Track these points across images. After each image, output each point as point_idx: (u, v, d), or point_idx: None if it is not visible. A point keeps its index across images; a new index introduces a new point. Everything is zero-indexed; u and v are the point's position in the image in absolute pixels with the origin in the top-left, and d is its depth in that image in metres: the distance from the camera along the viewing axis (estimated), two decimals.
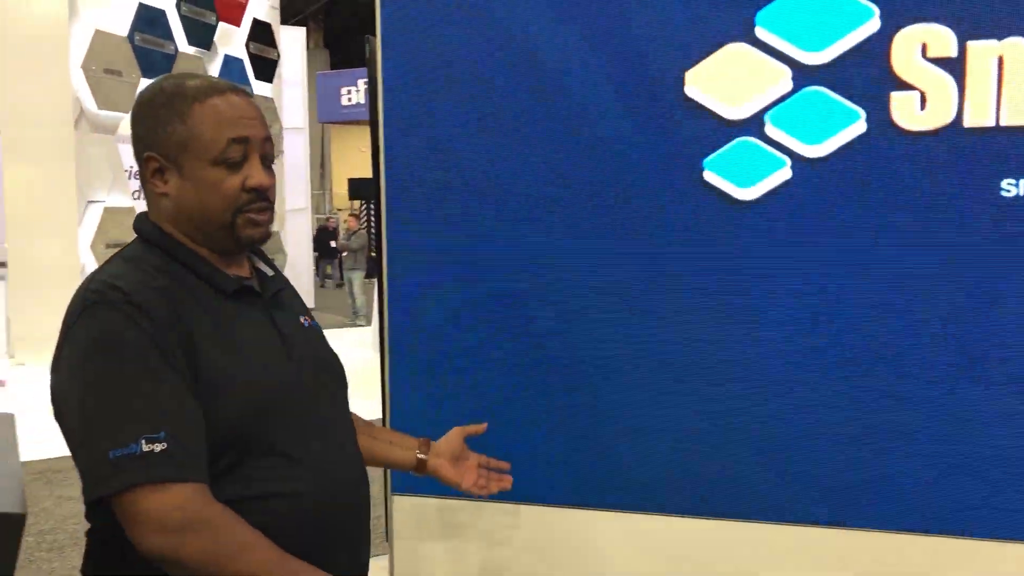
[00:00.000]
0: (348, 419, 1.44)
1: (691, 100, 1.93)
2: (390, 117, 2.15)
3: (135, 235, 1.33)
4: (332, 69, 18.52)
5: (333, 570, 1.27)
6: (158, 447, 1.13)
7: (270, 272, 1.41)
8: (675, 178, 1.95)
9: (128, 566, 1.22)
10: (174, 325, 1.20)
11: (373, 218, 16.02)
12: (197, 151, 1.26)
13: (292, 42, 11.46)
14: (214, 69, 9.13)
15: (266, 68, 9.96)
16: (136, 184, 10.30)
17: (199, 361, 1.21)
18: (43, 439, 6.08)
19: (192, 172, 1.27)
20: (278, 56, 10.21)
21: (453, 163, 2.09)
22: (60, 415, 1.21)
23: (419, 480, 1.84)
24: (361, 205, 16.17)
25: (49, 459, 5.60)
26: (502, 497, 2.14)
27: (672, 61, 1.94)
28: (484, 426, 1.79)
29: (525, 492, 2.16)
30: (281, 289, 1.41)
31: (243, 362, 1.27)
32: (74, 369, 1.19)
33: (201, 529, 1.16)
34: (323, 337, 1.47)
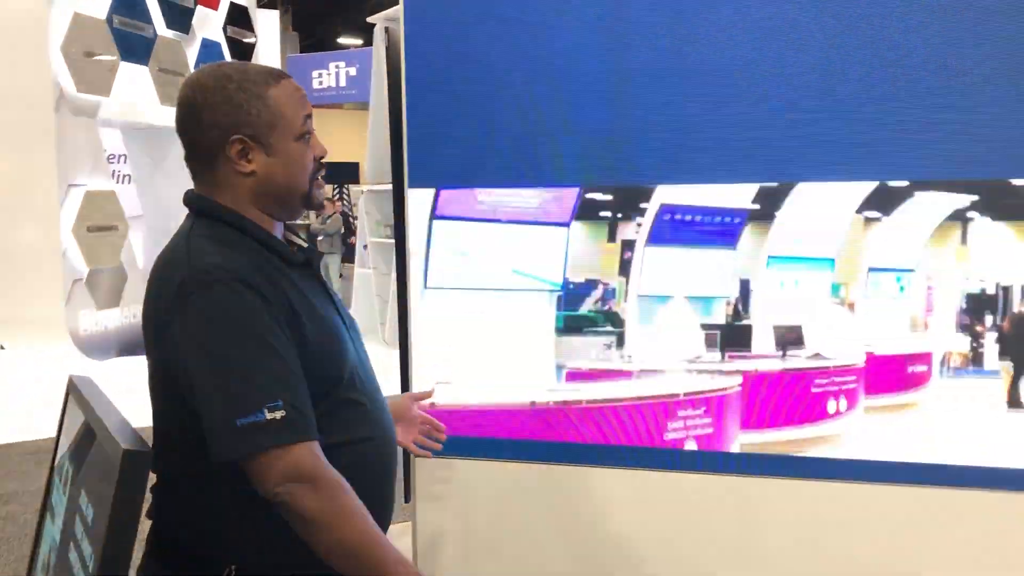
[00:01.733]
0: (372, 369, 1.63)
1: None
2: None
3: (197, 214, 1.51)
4: (302, 52, 18.31)
5: (391, 505, 1.53)
6: (279, 414, 1.31)
7: (305, 244, 1.59)
8: None
9: (226, 509, 1.41)
10: (278, 299, 1.38)
11: (346, 201, 16.03)
12: (283, 129, 1.45)
13: (267, 25, 11.39)
14: (192, 53, 9.08)
15: (243, 52, 9.92)
16: (117, 167, 10.23)
17: (301, 328, 1.39)
18: (32, 423, 6.13)
19: (280, 148, 1.45)
20: (255, 40, 10.16)
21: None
22: (182, 384, 1.37)
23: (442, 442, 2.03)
24: (334, 188, 16.14)
25: (40, 440, 5.65)
26: (524, 457, 2.30)
27: None
28: (432, 391, 2.11)
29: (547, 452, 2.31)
30: (317, 257, 1.61)
31: (323, 324, 1.45)
32: (195, 344, 1.34)
33: (318, 484, 1.33)
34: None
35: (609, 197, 2.33)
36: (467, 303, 2.41)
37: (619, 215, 2.33)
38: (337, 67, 13.99)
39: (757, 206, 2.26)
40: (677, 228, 2.29)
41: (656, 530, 2.33)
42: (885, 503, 2.19)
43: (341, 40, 19.59)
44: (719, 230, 2.28)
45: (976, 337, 2.18)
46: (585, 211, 2.35)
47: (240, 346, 1.33)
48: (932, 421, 2.20)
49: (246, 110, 1.43)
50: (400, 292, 2.50)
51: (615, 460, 2.35)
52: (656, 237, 2.30)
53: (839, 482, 2.20)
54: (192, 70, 8.94)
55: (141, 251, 9.35)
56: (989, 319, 2.16)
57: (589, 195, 2.33)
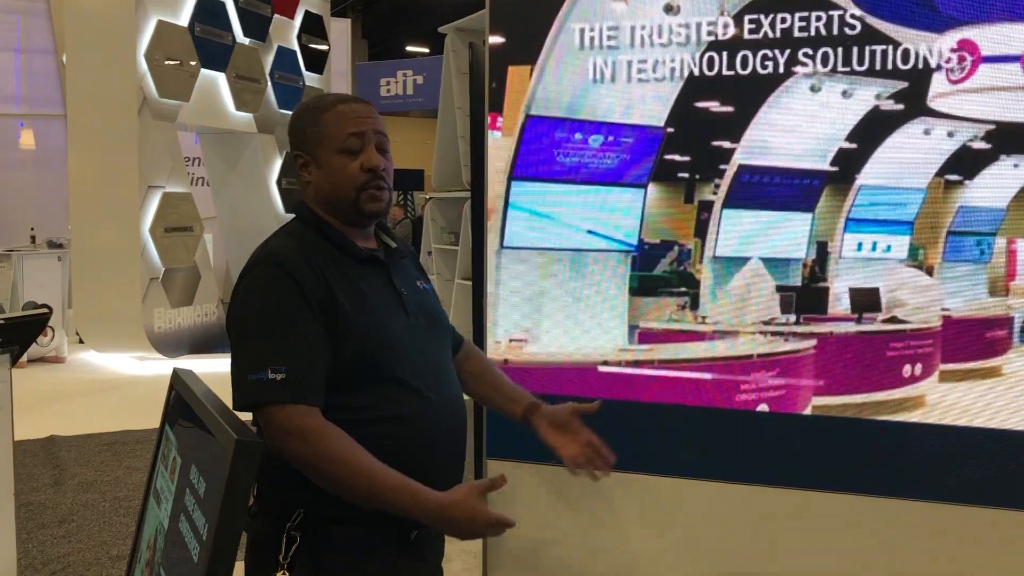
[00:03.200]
0: (450, 362, 1.83)
1: None
2: None
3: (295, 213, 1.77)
4: (370, 60, 18.69)
5: (434, 483, 1.59)
6: (279, 376, 1.53)
7: (394, 245, 1.81)
8: None
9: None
10: (317, 284, 1.59)
11: (410, 208, 16.23)
12: (327, 144, 1.68)
13: (339, 33, 11.69)
14: (268, 60, 9.35)
15: (317, 59, 10.19)
16: (192, 170, 10.55)
17: (337, 311, 1.60)
18: (108, 415, 6.31)
19: (326, 162, 1.69)
20: (328, 47, 10.42)
21: None
22: (230, 346, 1.62)
23: (514, 445, 2.04)
24: (399, 196, 16.37)
25: (115, 432, 5.84)
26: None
27: None
28: (597, 404, 1.94)
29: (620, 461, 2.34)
30: (403, 258, 1.81)
31: (369, 311, 1.65)
32: (238, 312, 1.61)
33: (305, 438, 1.53)
34: (434, 297, 1.88)
35: (687, 158, 2.36)
36: (542, 263, 2.46)
37: (697, 176, 2.36)
38: (405, 75, 14.27)
39: (835, 168, 2.27)
40: (755, 190, 2.31)
41: (721, 544, 2.35)
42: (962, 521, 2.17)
43: (409, 48, 19.94)
44: (797, 192, 2.29)
45: None
46: (662, 172, 2.38)
47: (264, 316, 1.57)
48: (1013, 388, 2.17)
49: (304, 130, 1.71)
50: (476, 252, 2.56)
51: (685, 421, 2.36)
52: (733, 199, 2.32)
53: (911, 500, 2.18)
54: (267, 77, 9.22)
55: (212, 251, 9.63)
56: None
57: (667, 156, 2.37)
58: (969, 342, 2.22)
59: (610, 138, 2.39)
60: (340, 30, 12.13)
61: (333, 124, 1.69)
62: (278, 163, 9.45)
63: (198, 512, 1.44)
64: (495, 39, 2.51)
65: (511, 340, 2.47)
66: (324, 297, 1.59)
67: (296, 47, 9.87)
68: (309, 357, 1.57)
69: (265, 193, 9.35)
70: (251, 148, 9.28)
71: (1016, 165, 2.14)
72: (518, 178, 2.46)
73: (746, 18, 2.29)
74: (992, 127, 2.15)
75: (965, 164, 2.18)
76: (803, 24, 2.25)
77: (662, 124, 2.38)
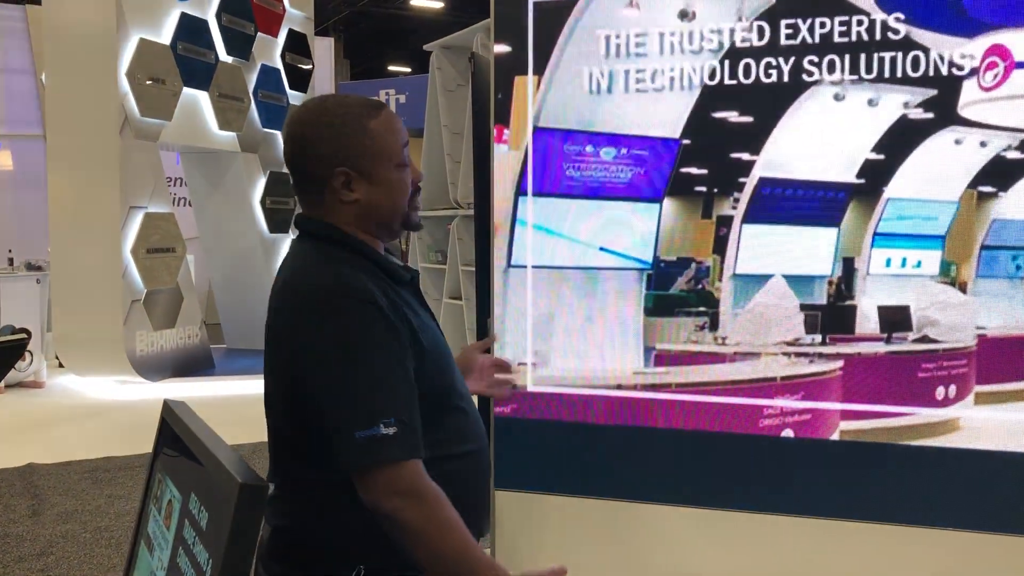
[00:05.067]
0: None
1: None
2: None
3: (308, 236, 1.56)
4: (353, 79, 18.65)
5: (486, 514, 1.61)
6: (392, 431, 1.38)
7: (399, 262, 1.64)
8: None
9: (358, 510, 1.44)
10: (399, 316, 1.45)
11: None
12: (385, 159, 1.52)
13: (322, 52, 11.60)
14: (251, 79, 9.24)
15: (300, 78, 10.08)
16: (176, 190, 10.39)
17: (419, 344, 1.47)
18: (89, 441, 6.13)
19: (381, 177, 1.52)
20: (312, 66, 10.32)
21: None
22: (305, 396, 1.44)
23: (522, 477, 1.97)
24: None
25: (97, 459, 5.66)
26: (606, 494, 2.23)
27: None
28: (495, 337, 2.13)
29: (629, 491, 2.23)
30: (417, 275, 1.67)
31: (434, 338, 1.53)
32: (323, 358, 1.42)
33: (421, 500, 1.40)
34: None
35: (704, 171, 2.25)
36: (553, 282, 2.34)
37: (715, 190, 2.25)
38: (388, 94, 14.15)
39: (862, 181, 2.17)
40: (776, 204, 2.20)
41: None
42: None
43: (391, 68, 19.91)
44: (821, 206, 2.18)
45: None
46: (678, 186, 2.27)
47: (363, 362, 1.41)
48: None
49: (349, 143, 1.51)
50: (481, 271, 2.44)
51: (706, 448, 2.25)
52: (754, 213, 2.21)
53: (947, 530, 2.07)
54: (251, 95, 9.10)
55: (195, 272, 9.46)
56: None
57: (684, 169, 2.26)
58: (1006, 362, 2.11)
59: (623, 150, 2.28)
60: (323, 49, 12.03)
61: (388, 135, 1.53)
62: (262, 182, 9.32)
63: (199, 546, 1.31)
64: (501, 48, 2.40)
65: (519, 364, 2.34)
66: (408, 330, 1.47)
67: (280, 65, 9.76)
68: (414, 405, 1.44)
69: (249, 213, 9.21)
70: (234, 167, 9.15)
71: None
72: (526, 193, 2.35)
73: (765, 24, 2.19)
74: None
75: (999, 175, 2.08)
76: (825, 30, 2.15)
77: (678, 135, 2.27)
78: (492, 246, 2.37)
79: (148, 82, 7.77)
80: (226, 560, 1.20)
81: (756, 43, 2.20)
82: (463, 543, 1.42)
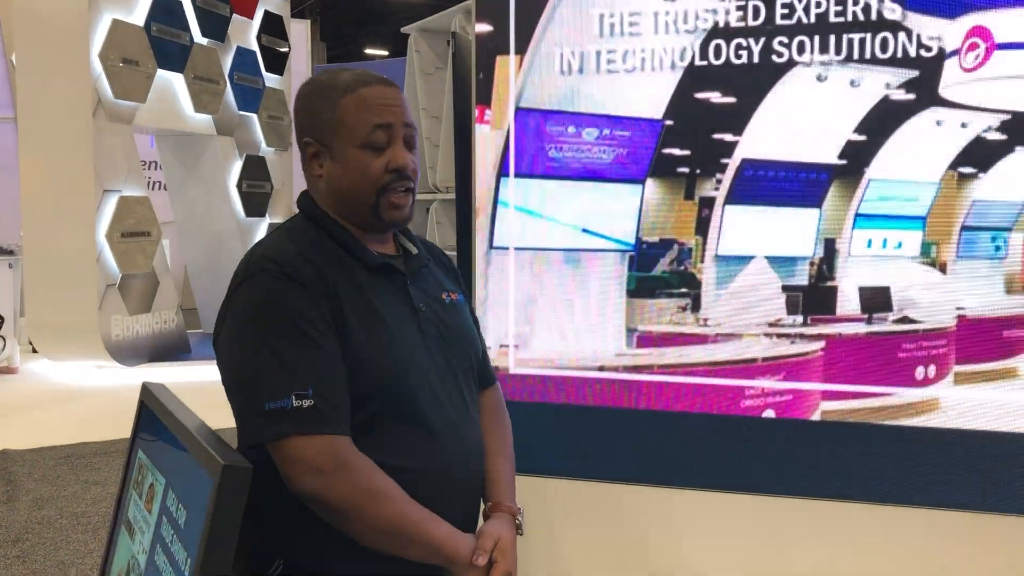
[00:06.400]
0: (471, 392, 1.56)
1: None
2: None
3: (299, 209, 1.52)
4: (329, 62, 18.48)
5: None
6: (306, 403, 1.30)
7: (414, 250, 1.55)
8: None
9: (275, 503, 1.37)
10: (325, 293, 1.36)
11: None
12: (345, 136, 1.43)
13: (298, 35, 11.48)
14: (227, 61, 9.13)
15: (277, 60, 9.98)
16: (151, 174, 10.27)
17: (346, 327, 1.37)
18: (64, 427, 6.06)
19: (342, 155, 1.43)
20: (288, 49, 10.22)
21: None
22: (223, 368, 1.39)
23: (523, 460, 1.93)
24: None
25: (72, 444, 5.60)
26: (588, 476, 2.23)
27: None
28: None
29: (611, 472, 2.23)
30: (425, 266, 1.55)
31: (381, 332, 1.41)
32: (237, 329, 1.37)
33: (346, 473, 1.31)
34: (464, 312, 1.61)
35: (687, 152, 2.24)
36: (535, 264, 2.33)
37: (697, 171, 2.24)
38: None
39: (844, 162, 2.17)
40: (759, 185, 2.20)
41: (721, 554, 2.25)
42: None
43: (368, 51, 19.74)
44: (803, 187, 2.18)
45: None
46: (661, 167, 2.26)
47: (276, 333, 1.34)
48: None
49: (318, 116, 1.46)
50: (462, 253, 2.43)
51: (688, 429, 2.25)
52: (736, 194, 2.21)
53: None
54: (226, 78, 8.99)
55: (171, 256, 9.36)
56: None
57: (666, 150, 2.25)
58: (985, 343, 2.12)
59: (605, 131, 2.27)
60: (299, 31, 11.89)
61: (355, 112, 1.43)
62: (238, 166, 9.22)
63: (177, 544, 1.28)
64: (482, 27, 2.37)
65: (502, 346, 2.33)
66: (334, 310, 1.36)
67: (256, 48, 9.65)
68: (336, 378, 1.34)
69: (224, 197, 9.12)
70: (210, 151, 9.04)
71: None
72: (508, 174, 2.33)
73: (748, 3, 2.18)
74: (1008, 117, 2.06)
75: (979, 156, 2.09)
76: (807, 10, 2.14)
77: (660, 116, 2.26)
78: (474, 228, 2.35)
79: (121, 64, 7.65)
80: (209, 546, 1.17)
81: (739, 23, 2.19)
82: (402, 511, 1.33)
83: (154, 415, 1.55)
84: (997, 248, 2.11)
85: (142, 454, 1.60)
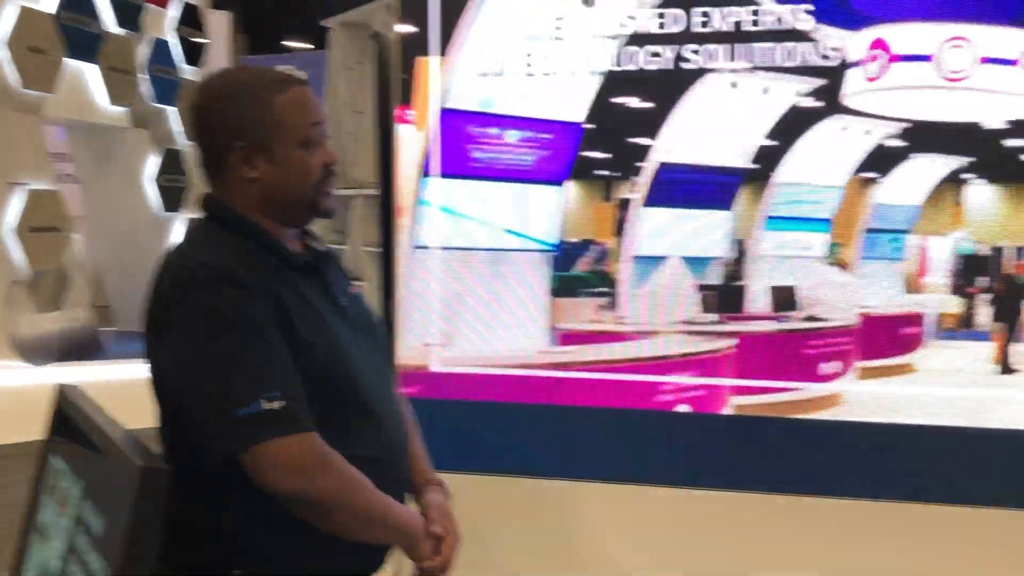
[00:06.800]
0: (392, 378, 1.63)
1: None
2: None
3: (207, 215, 1.49)
4: (250, 55, 18.11)
5: None
6: (277, 404, 1.30)
7: (322, 247, 1.56)
8: None
9: (231, 511, 1.38)
10: (267, 296, 1.37)
11: None
12: (287, 136, 1.42)
13: (217, 26, 11.22)
14: (142, 51, 8.89)
15: (194, 52, 9.75)
16: (63, 167, 9.91)
17: (292, 327, 1.38)
18: None
19: (281, 156, 1.42)
20: (207, 40, 9.99)
21: None
22: (174, 380, 1.36)
23: (446, 458, 1.96)
24: None
25: None
26: (512, 472, 2.27)
27: None
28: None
29: (535, 468, 2.28)
30: (332, 262, 1.56)
31: (320, 328, 1.43)
32: (190, 339, 1.34)
33: (326, 468, 1.34)
34: (366, 303, 1.64)
35: (606, 155, 2.30)
36: (458, 264, 2.36)
37: (616, 173, 2.30)
38: (287, 70, 13.85)
39: (755, 166, 2.26)
40: (674, 188, 2.27)
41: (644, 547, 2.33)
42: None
43: (290, 43, 19.41)
44: (716, 190, 2.27)
45: (969, 299, 2.19)
46: (581, 169, 2.32)
47: (231, 340, 1.33)
48: (926, 384, 2.21)
49: (249, 117, 1.42)
50: (385, 252, 2.44)
51: (607, 424, 2.31)
52: (653, 197, 2.28)
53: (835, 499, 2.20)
54: (141, 68, 8.74)
55: (84, 253, 9.07)
56: (982, 281, 2.18)
57: (586, 153, 2.31)
58: (885, 339, 2.24)
59: (527, 133, 2.31)
60: (219, 23, 11.63)
61: (293, 112, 1.43)
62: (154, 160, 8.99)
63: (93, 555, 1.26)
64: (405, 28, 2.39)
65: (425, 345, 2.35)
66: (277, 312, 1.37)
67: (173, 39, 9.41)
68: (295, 377, 1.34)
69: (140, 191, 8.88)
70: (124, 144, 8.79)
71: (929, 163, 2.17)
72: (431, 174, 2.35)
73: (665, 12, 2.25)
74: (907, 125, 2.17)
75: (881, 162, 2.20)
76: (722, 20, 2.22)
77: (581, 120, 2.31)
78: (396, 228, 2.37)
79: (29, 52, 7.39)
80: (129, 552, 1.16)
81: (656, 30, 2.25)
82: (375, 497, 1.39)
83: (68, 418, 1.52)
84: (896, 249, 2.23)
85: (56, 458, 1.57)
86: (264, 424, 1.29)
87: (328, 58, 8.31)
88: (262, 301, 1.36)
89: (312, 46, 18.01)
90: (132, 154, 8.75)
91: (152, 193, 8.87)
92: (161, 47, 9.07)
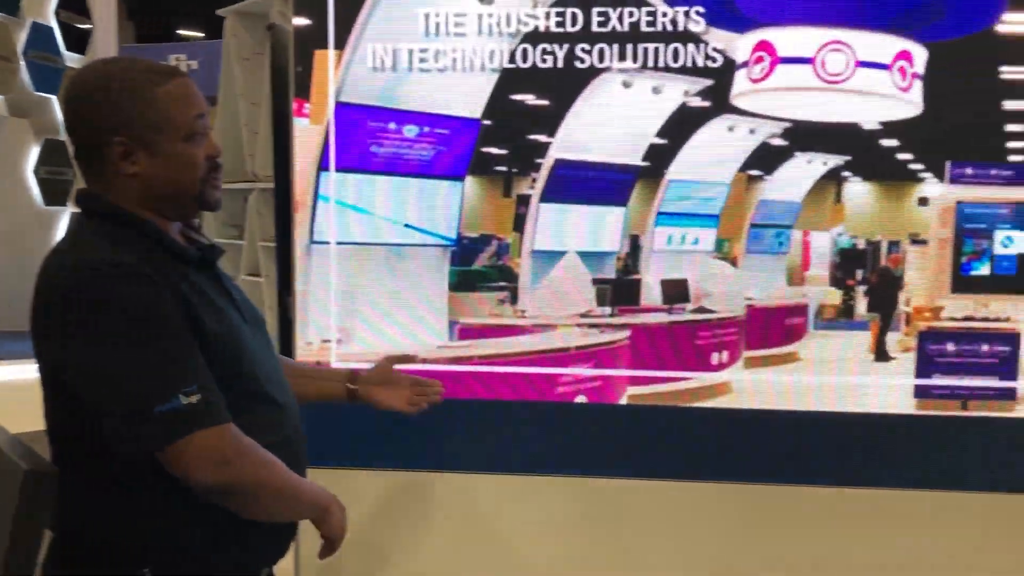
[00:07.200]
0: (281, 363, 1.65)
1: None
2: None
3: (86, 211, 1.45)
4: (138, 43, 17.50)
5: None
6: (195, 398, 1.30)
7: (205, 240, 1.55)
8: None
9: (139, 510, 1.39)
10: (172, 291, 1.36)
11: None
12: (169, 130, 1.40)
13: (102, 11, 10.79)
14: (21, 37, 8.48)
15: (78, 39, 9.35)
16: None
17: (198, 321, 1.38)
18: None
19: (164, 150, 1.40)
20: (91, 26, 9.59)
21: None
22: (82, 381, 1.33)
23: (329, 453, 1.97)
24: None
25: None
26: (413, 466, 2.29)
27: None
28: (416, 356, 1.98)
29: (435, 461, 2.30)
30: (218, 255, 1.56)
31: (222, 321, 1.44)
32: (100, 338, 1.31)
33: (246, 456, 1.37)
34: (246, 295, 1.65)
35: (504, 151, 2.33)
36: (357, 258, 2.35)
37: (514, 170, 2.34)
38: (177, 59, 13.34)
39: (647, 163, 2.32)
40: (571, 184, 2.32)
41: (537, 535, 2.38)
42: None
43: (181, 31, 18.80)
44: (611, 187, 2.32)
45: (848, 290, 2.32)
46: (480, 165, 2.34)
47: (143, 336, 1.31)
48: (808, 372, 2.32)
49: (129, 111, 1.39)
50: (282, 247, 2.41)
51: (507, 416, 2.35)
52: (550, 193, 2.32)
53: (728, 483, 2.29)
54: (20, 55, 8.34)
55: None
56: (859, 273, 2.30)
57: (485, 149, 2.33)
58: (770, 329, 2.34)
59: (425, 129, 2.32)
60: (104, 8, 11.18)
61: (176, 105, 1.41)
62: (35, 151, 8.60)
63: None
64: (301, 21, 2.36)
65: (323, 341, 2.34)
66: (182, 306, 1.36)
67: (54, 24, 9.01)
68: (207, 369, 1.35)
69: (20, 184, 8.47)
70: (3, 134, 8.38)
71: (810, 161, 2.28)
72: (328, 169, 2.33)
73: (559, 11, 2.29)
74: (789, 125, 2.27)
75: (765, 160, 2.29)
76: (616, 20, 2.28)
77: (479, 116, 2.33)
78: (293, 222, 2.35)
79: None
80: (11, 554, 1.13)
81: (552, 29, 2.29)
82: (291, 477, 1.44)
83: None
84: (780, 244, 2.33)
85: None
86: (186, 418, 1.29)
87: (223, 48, 8.07)
88: (168, 296, 1.35)
89: (204, 35, 17.51)
90: (11, 145, 8.35)
91: (34, 186, 8.49)
92: (42, 32, 8.66)
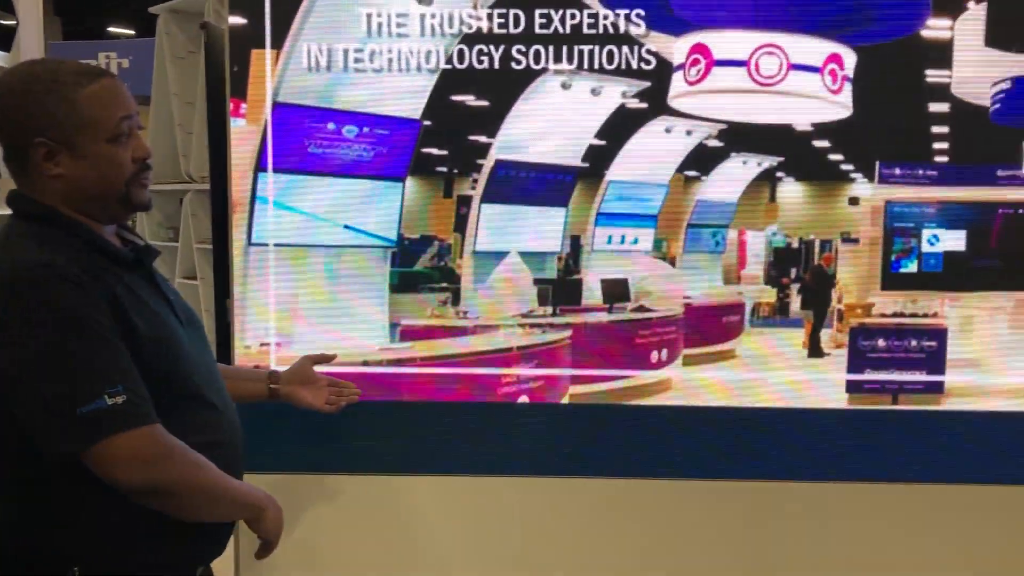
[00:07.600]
0: (218, 371, 1.66)
1: None
2: None
3: (17, 212, 1.46)
4: (65, 39, 17.04)
5: None
6: (120, 399, 1.32)
7: (141, 241, 1.58)
8: None
9: (67, 510, 1.39)
10: (102, 293, 1.37)
11: None
12: (92, 131, 1.41)
13: (29, 7, 10.48)
14: None
15: (3, 36, 9.08)
16: None
17: (129, 323, 1.39)
18: None
19: (88, 151, 1.41)
20: (16, 22, 9.32)
21: None
22: (5, 386, 1.34)
23: (270, 458, 1.99)
24: None
25: None
26: (356, 469, 2.30)
27: None
28: (334, 355, 2.10)
29: (378, 464, 2.30)
30: (153, 256, 1.58)
31: (156, 324, 1.46)
32: (26, 339, 1.32)
33: (170, 457, 1.38)
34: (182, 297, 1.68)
35: (445, 152, 2.33)
36: (296, 261, 2.33)
37: (455, 170, 2.34)
38: (108, 57, 13.01)
39: (586, 164, 2.34)
40: (512, 185, 2.33)
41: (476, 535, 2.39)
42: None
43: (111, 29, 18.35)
44: (551, 187, 2.34)
45: (783, 289, 2.37)
46: (420, 166, 2.34)
47: (70, 338, 1.33)
48: (745, 368, 2.37)
49: (52, 112, 1.41)
50: (218, 249, 2.38)
51: (450, 417, 2.35)
52: (491, 193, 2.33)
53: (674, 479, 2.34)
54: None
55: None
56: (793, 272, 2.36)
57: (425, 149, 2.33)
58: (708, 327, 2.38)
59: (365, 129, 2.31)
60: (30, 3, 10.87)
61: (99, 106, 1.42)
62: None
63: None
64: (236, 20, 2.33)
65: (262, 344, 2.31)
66: (112, 308, 1.38)
67: None
68: (134, 370, 1.37)
69: None
70: None
71: (744, 162, 2.32)
72: (266, 169, 2.31)
73: (497, 12, 2.30)
74: (724, 126, 2.32)
75: (701, 161, 2.33)
76: (553, 21, 2.29)
77: (418, 116, 2.33)
78: (230, 224, 2.31)
79: None
80: None
81: (491, 30, 2.30)
82: (220, 478, 1.45)
83: None
84: (717, 243, 2.37)
85: None
86: (109, 420, 1.31)
87: (156, 46, 7.90)
88: (96, 297, 1.35)
89: (135, 32, 17.11)
90: None
91: None
92: None
